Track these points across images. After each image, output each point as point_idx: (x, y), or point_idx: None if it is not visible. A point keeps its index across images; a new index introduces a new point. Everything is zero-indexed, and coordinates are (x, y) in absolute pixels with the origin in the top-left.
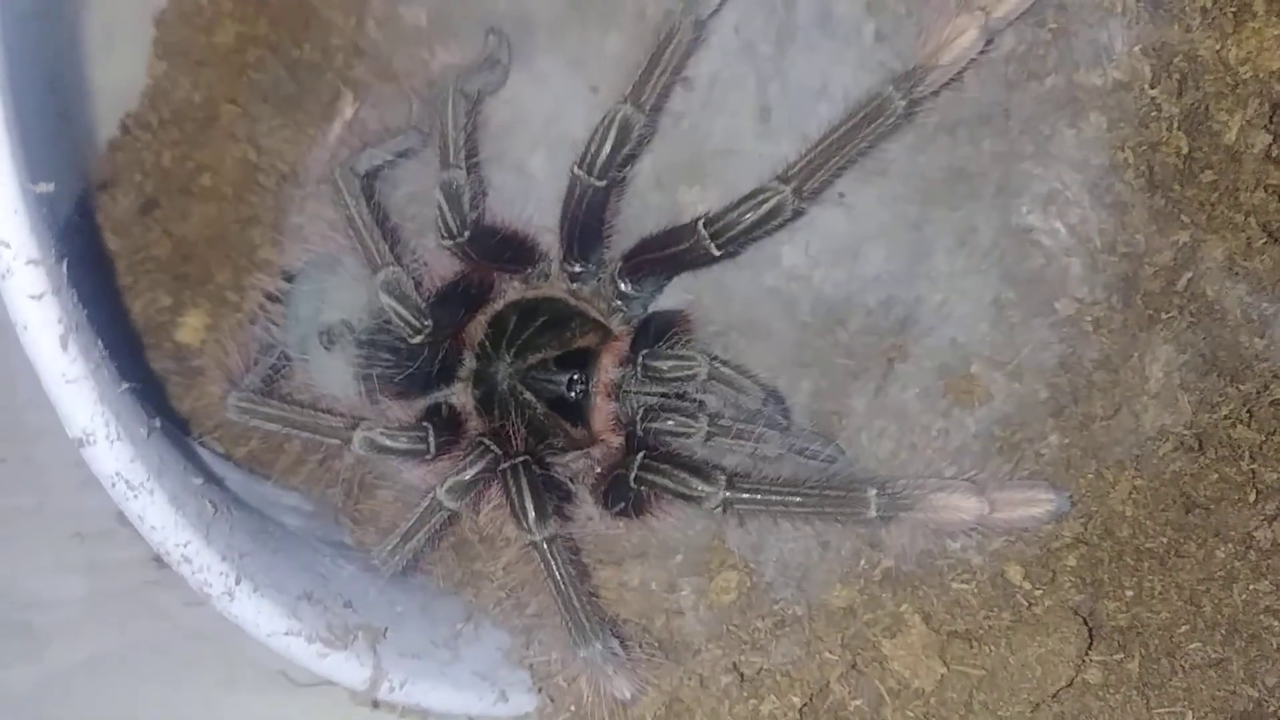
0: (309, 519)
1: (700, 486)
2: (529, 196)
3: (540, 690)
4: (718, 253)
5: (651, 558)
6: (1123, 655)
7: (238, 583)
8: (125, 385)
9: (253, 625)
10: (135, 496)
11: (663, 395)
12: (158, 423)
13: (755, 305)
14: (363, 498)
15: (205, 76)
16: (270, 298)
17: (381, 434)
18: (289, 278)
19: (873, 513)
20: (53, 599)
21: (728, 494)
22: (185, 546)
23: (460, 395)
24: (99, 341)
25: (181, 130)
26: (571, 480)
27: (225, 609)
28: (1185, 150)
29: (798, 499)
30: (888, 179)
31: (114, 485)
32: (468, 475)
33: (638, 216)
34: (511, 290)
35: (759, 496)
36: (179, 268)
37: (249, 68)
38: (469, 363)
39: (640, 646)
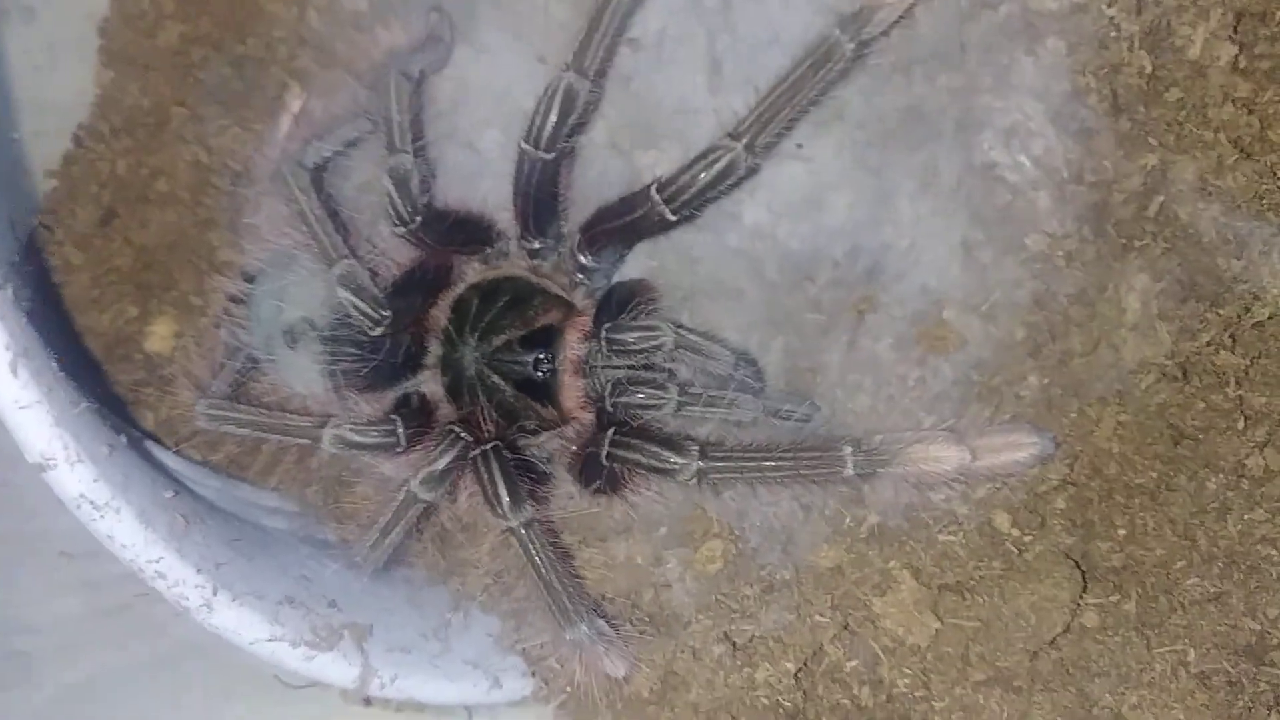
0: (291, 519)
1: (673, 459)
2: (483, 174)
3: (534, 674)
4: (673, 217)
5: (635, 532)
6: (1119, 596)
7: (215, 594)
8: (84, 405)
9: (234, 634)
10: (101, 516)
11: (630, 368)
12: (123, 439)
13: (720, 266)
14: (342, 494)
15: (152, 80)
16: (233, 300)
17: (350, 430)
18: (249, 278)
19: (850, 470)
20: (46, 621)
21: (701, 464)
22: (158, 562)
23: (429, 383)
24: (52, 364)
25: (134, 137)
26: (547, 460)
27: (205, 621)
28: (1148, 69)
29: (773, 463)
30: (844, 125)
31: (79, 507)
32: (439, 465)
33: (595, 184)
34: (471, 272)
35: (733, 464)
36: (142, 276)
37: (194, 68)
38: (434, 350)
39: (630, 623)
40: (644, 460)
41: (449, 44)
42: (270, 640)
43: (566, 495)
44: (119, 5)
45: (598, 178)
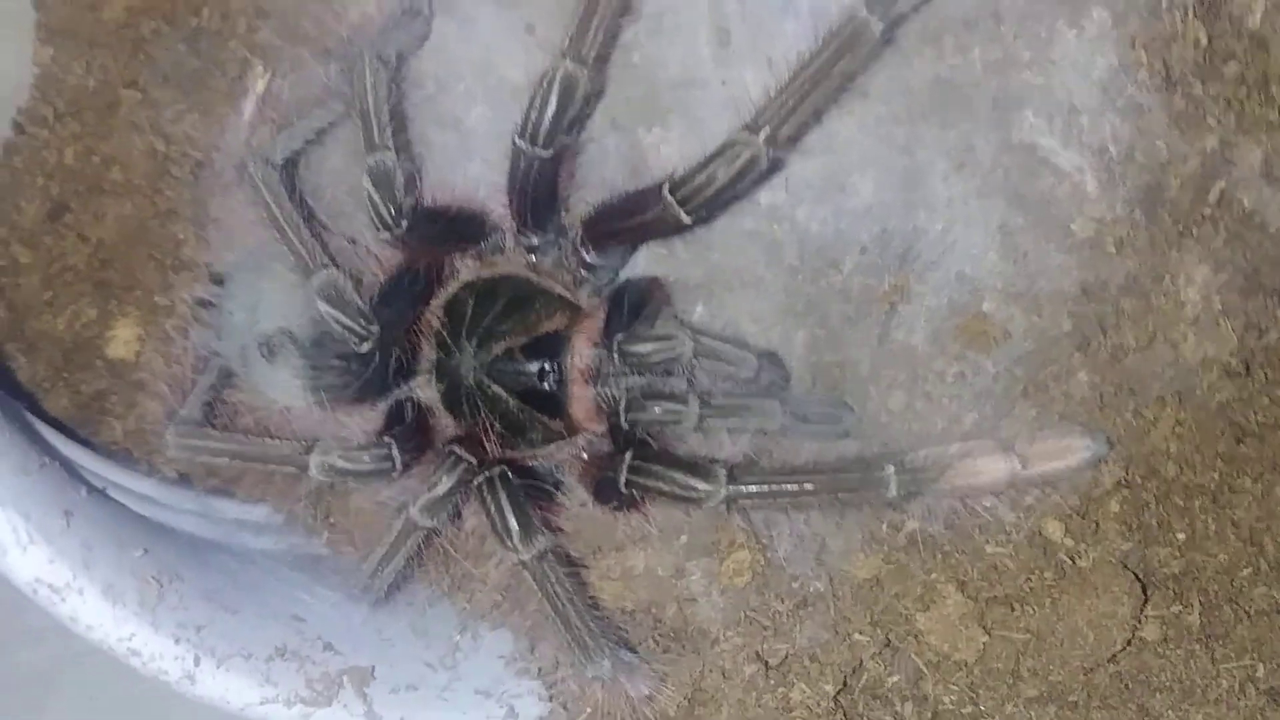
0: (279, 534)
1: (699, 486)
2: (471, 154)
3: (551, 699)
4: (689, 220)
5: (654, 540)
6: (1180, 606)
7: (197, 663)
8: (38, 466)
9: (222, 703)
10: (63, 600)
11: (646, 381)
12: (83, 491)
13: (736, 252)
14: (335, 507)
15: (98, 58)
16: (201, 304)
17: (340, 457)
18: (218, 280)
19: (893, 492)
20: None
21: (730, 489)
22: (130, 639)
23: (424, 389)
24: None
25: (81, 122)
26: (556, 470)
27: (188, 693)
28: (1204, 41)
29: (808, 486)
30: (868, 100)
31: (36, 592)
32: (440, 491)
33: (595, 163)
34: (465, 269)
35: (765, 488)
36: (100, 274)
37: (144, 43)
38: (428, 354)
39: (653, 639)
40: (666, 488)
41: (428, 16)
42: (263, 703)
43: (579, 502)
44: None
45: (597, 156)
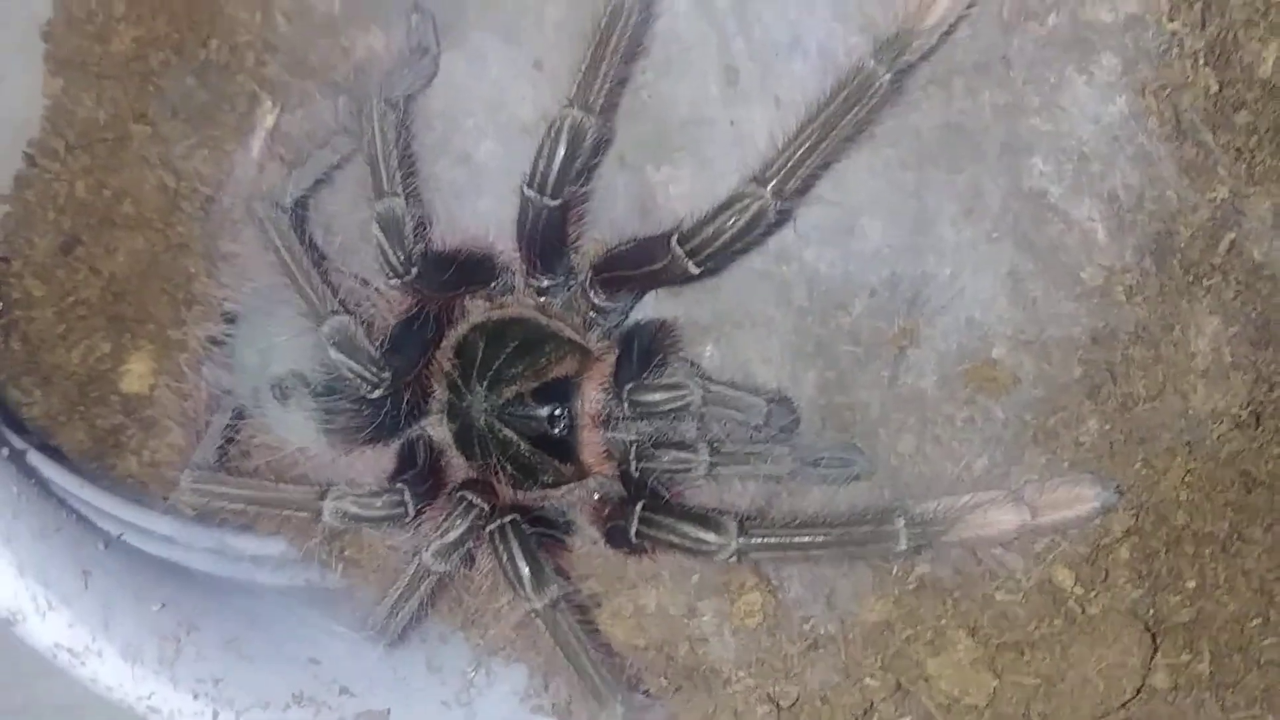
0: (296, 569)
1: (709, 539)
2: (481, 190)
3: None
4: (697, 271)
5: (667, 579)
6: (1190, 655)
7: (215, 717)
8: (54, 529)
9: None
10: (83, 663)
11: (655, 427)
12: (101, 545)
13: (745, 292)
14: (351, 542)
15: (108, 90)
16: (212, 341)
17: (353, 503)
18: (229, 319)
19: (903, 545)
20: None
21: (740, 542)
22: (149, 698)
23: (435, 428)
24: (13, 489)
25: (92, 155)
26: (567, 511)
27: None
28: (1215, 89)
29: (819, 539)
30: (877, 143)
31: (55, 657)
32: (452, 537)
33: (604, 201)
34: (475, 310)
35: (775, 540)
36: (113, 308)
37: (153, 75)
38: (440, 394)
39: (665, 677)
40: (677, 541)
41: (435, 55)
42: None
43: (591, 540)
44: (64, 7)
45: (606, 194)
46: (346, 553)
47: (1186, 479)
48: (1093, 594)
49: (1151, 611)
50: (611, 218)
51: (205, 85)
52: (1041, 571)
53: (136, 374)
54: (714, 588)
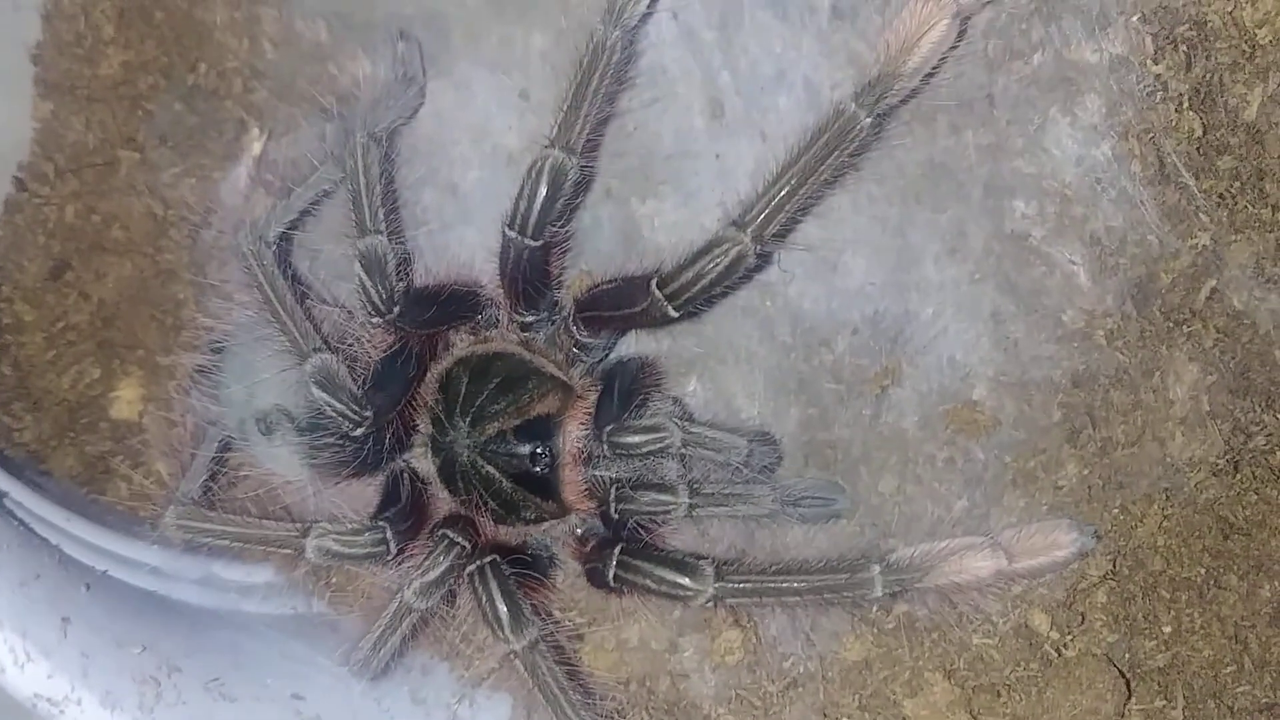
0: (282, 598)
1: (686, 584)
2: (467, 219)
3: None
4: (675, 314)
5: (648, 614)
6: (1164, 701)
7: None
8: (33, 576)
9: None
10: (62, 712)
11: (635, 469)
12: (85, 587)
13: (729, 327)
14: (336, 571)
15: (97, 114)
16: (199, 371)
17: (335, 541)
18: (216, 349)
19: (879, 592)
20: None
21: (717, 587)
22: None
23: (420, 460)
24: None
25: (81, 180)
26: (549, 547)
27: None
28: (1199, 133)
29: (795, 584)
30: (862, 179)
31: (35, 707)
32: (433, 575)
33: (590, 233)
34: (459, 343)
35: (752, 586)
36: (102, 333)
37: (142, 99)
38: (424, 428)
39: (646, 711)
40: (654, 586)
41: (421, 84)
42: None
43: (574, 573)
44: (53, 30)
45: (592, 226)
46: (333, 581)
47: (1164, 525)
48: (1069, 638)
49: (1127, 656)
50: (597, 249)
51: (193, 110)
52: (1018, 615)
53: (126, 400)
54: (695, 624)
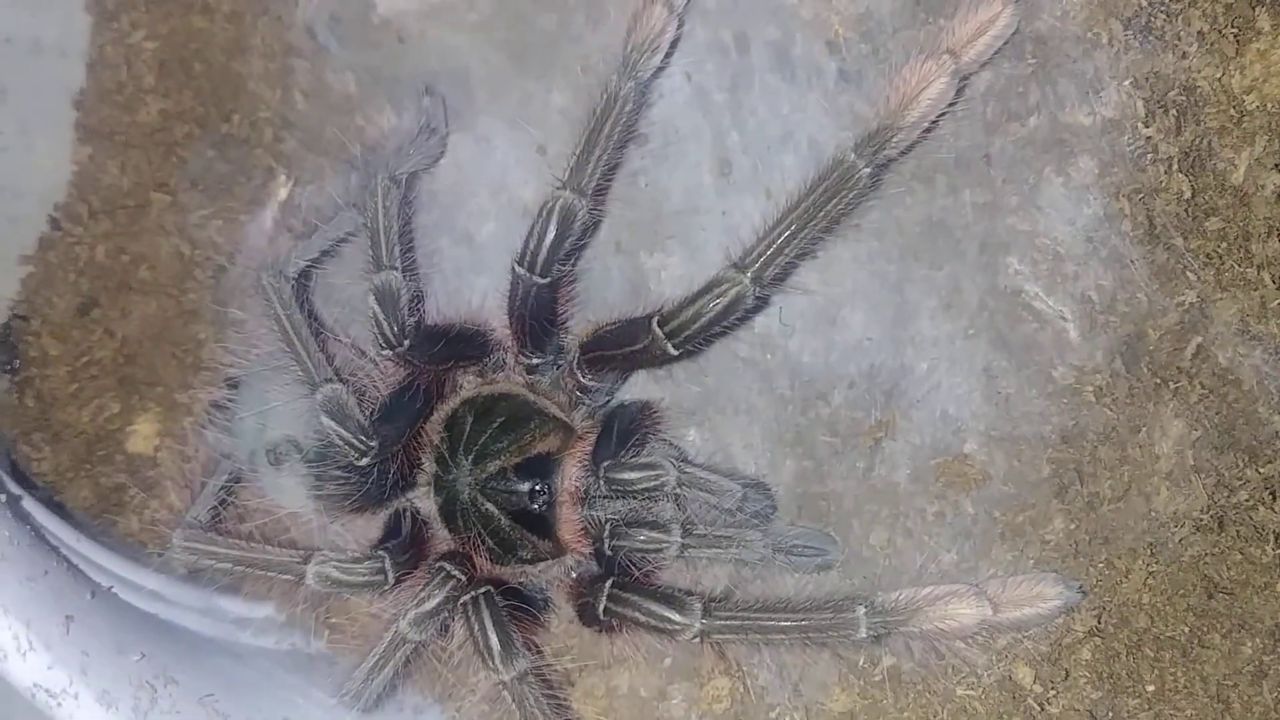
0: (280, 633)
1: (674, 619)
2: (481, 268)
3: None
4: (675, 353)
5: (639, 661)
6: None
7: None
8: (41, 573)
9: None
10: (59, 705)
11: (630, 508)
12: (89, 595)
13: (730, 378)
14: (335, 608)
15: (132, 159)
16: (215, 406)
17: (335, 568)
18: (233, 385)
19: (863, 633)
20: None
21: (704, 623)
22: None
23: (422, 500)
24: (4, 532)
25: (113, 220)
26: (544, 589)
27: None
28: (1188, 195)
29: (781, 624)
30: (862, 235)
31: (34, 696)
32: (428, 606)
33: (599, 283)
34: (466, 384)
35: (738, 624)
36: (124, 370)
37: (177, 146)
38: (428, 467)
39: None
40: (642, 619)
41: (443, 135)
42: None
43: (568, 619)
44: (96, 79)
45: (601, 276)
46: (332, 619)
47: (1149, 581)
48: (1052, 693)
49: (1110, 714)
50: (606, 300)
51: (225, 157)
52: (1002, 668)
53: (142, 435)
54: (684, 672)
